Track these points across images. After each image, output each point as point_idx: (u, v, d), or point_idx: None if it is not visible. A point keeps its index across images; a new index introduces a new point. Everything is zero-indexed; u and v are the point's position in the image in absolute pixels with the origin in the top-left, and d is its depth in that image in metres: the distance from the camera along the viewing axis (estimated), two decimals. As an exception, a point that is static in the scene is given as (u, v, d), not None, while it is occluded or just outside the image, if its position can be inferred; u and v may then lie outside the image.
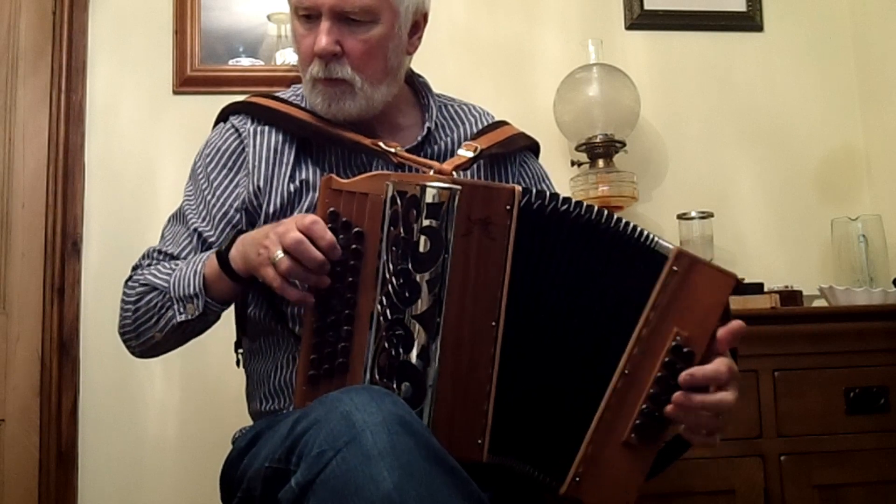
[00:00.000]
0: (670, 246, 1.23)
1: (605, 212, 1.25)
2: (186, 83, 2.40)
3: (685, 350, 1.20)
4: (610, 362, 1.23)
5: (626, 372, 1.22)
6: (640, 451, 1.22)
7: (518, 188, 1.23)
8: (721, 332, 1.21)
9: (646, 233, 1.24)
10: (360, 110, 1.44)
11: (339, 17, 1.40)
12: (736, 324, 1.23)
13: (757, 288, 2.18)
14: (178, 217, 1.52)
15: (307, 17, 1.42)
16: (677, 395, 1.19)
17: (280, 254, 1.18)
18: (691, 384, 1.19)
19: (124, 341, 1.48)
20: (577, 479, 1.23)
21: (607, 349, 1.23)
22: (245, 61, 2.46)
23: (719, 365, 1.20)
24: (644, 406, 1.21)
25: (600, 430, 1.22)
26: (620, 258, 1.24)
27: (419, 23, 1.52)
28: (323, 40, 1.39)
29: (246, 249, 1.30)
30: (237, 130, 1.49)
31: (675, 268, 1.22)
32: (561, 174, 2.38)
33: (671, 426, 1.23)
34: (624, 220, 1.25)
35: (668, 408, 1.20)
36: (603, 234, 1.24)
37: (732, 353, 1.26)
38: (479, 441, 1.22)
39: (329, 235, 1.18)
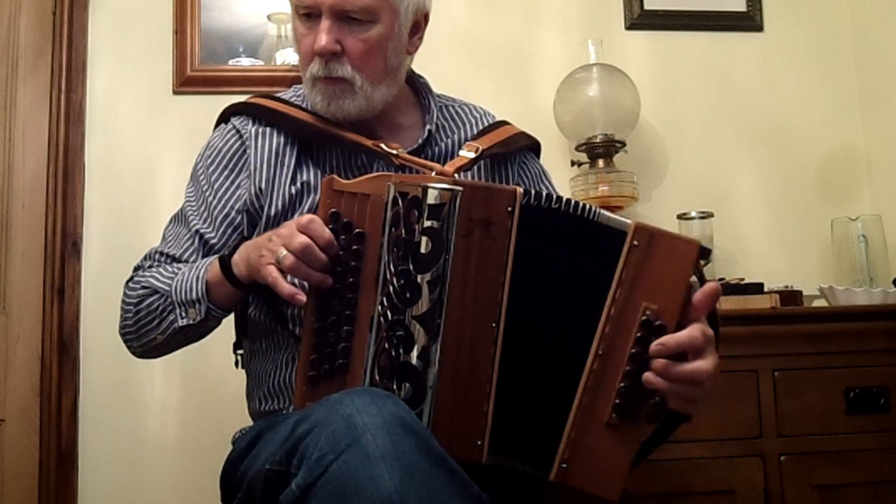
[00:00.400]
0: (628, 221, 1.22)
1: (591, 206, 1.24)
2: (186, 83, 2.40)
3: (656, 323, 1.19)
4: (585, 347, 1.22)
5: (601, 352, 1.21)
6: (625, 429, 1.21)
7: (519, 189, 1.22)
8: (696, 297, 1.20)
9: (603, 212, 1.23)
10: (359, 110, 1.44)
11: (339, 16, 1.40)
12: (709, 287, 1.21)
13: (757, 288, 2.18)
14: (180, 218, 1.52)
15: (307, 15, 1.43)
16: (656, 362, 1.18)
17: (284, 251, 1.19)
18: (662, 354, 1.17)
19: (125, 342, 1.49)
20: (565, 465, 1.22)
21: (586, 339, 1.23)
22: (245, 61, 2.46)
23: (692, 331, 1.18)
24: (622, 384, 1.20)
25: (581, 413, 1.22)
26: (600, 247, 1.23)
27: (420, 23, 1.52)
28: (323, 39, 1.39)
29: (248, 254, 1.30)
30: (238, 132, 1.49)
31: (635, 242, 1.21)
32: (561, 174, 2.38)
33: (652, 400, 1.22)
34: (598, 209, 1.24)
35: (646, 374, 1.18)
36: (591, 228, 1.23)
37: (713, 319, 1.25)
38: (479, 442, 1.22)
39: (327, 233, 1.19)
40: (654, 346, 1.18)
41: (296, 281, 1.22)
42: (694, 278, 1.22)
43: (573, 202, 1.24)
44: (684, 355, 1.18)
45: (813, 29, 2.68)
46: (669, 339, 1.18)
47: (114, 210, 2.34)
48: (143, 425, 2.27)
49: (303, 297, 1.20)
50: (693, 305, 1.20)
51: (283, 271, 1.20)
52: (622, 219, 1.23)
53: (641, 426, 1.23)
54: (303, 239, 1.18)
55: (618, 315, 1.21)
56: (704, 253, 1.21)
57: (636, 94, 2.44)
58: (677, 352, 1.18)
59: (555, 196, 1.24)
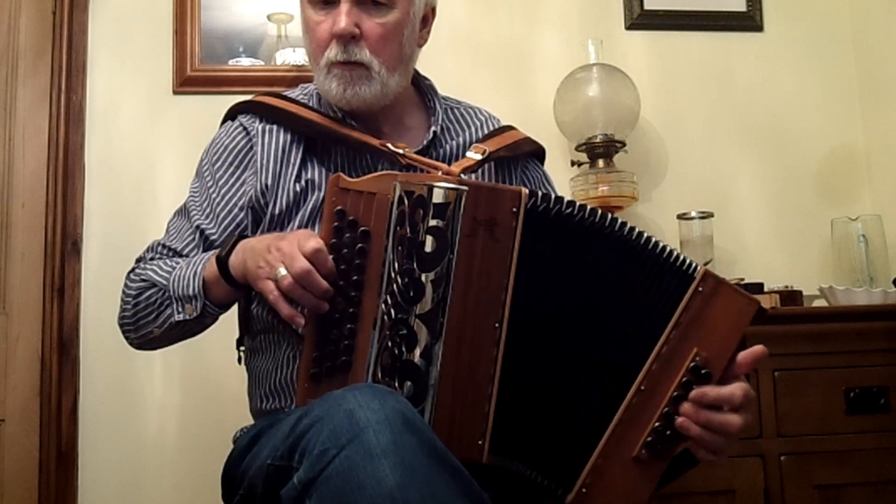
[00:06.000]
0: (697, 265, 1.23)
1: (609, 216, 1.24)
2: (186, 83, 2.40)
3: (703, 371, 1.20)
4: (625, 375, 1.22)
5: (643, 388, 1.22)
6: (650, 466, 1.22)
7: (525, 190, 1.22)
8: (742, 355, 1.21)
9: (669, 248, 1.23)
10: (374, 96, 1.45)
11: (357, 0, 1.42)
12: (758, 349, 1.22)
13: (757, 288, 2.18)
14: (183, 212, 1.52)
15: (324, 2, 1.44)
16: (687, 406, 1.19)
17: (283, 271, 1.18)
18: (701, 402, 1.19)
19: (123, 332, 1.49)
20: (584, 489, 1.22)
21: (620, 361, 1.23)
22: (245, 61, 2.46)
23: (735, 388, 1.19)
24: (657, 423, 1.21)
25: (611, 443, 1.22)
26: (634, 268, 1.23)
27: (427, 16, 1.53)
28: (343, 20, 1.40)
29: (246, 258, 1.29)
30: (245, 129, 1.49)
31: (700, 288, 1.21)
32: (561, 174, 2.38)
33: (681, 443, 1.22)
34: (633, 227, 1.24)
35: (679, 419, 1.20)
36: (609, 239, 1.23)
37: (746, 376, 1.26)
38: (480, 442, 1.21)
39: (330, 264, 1.19)
40: (695, 392, 1.19)
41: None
42: None
43: (603, 214, 1.23)
44: (720, 407, 1.19)
45: (813, 29, 2.68)
46: (711, 390, 1.19)
47: (114, 210, 2.34)
48: (143, 425, 2.27)
49: (302, 320, 1.21)
50: (737, 363, 1.20)
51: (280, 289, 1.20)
52: (689, 260, 1.23)
53: (665, 465, 1.24)
54: (304, 265, 1.17)
55: (668, 355, 1.21)
56: (762, 312, 1.22)
57: (636, 94, 2.45)
58: (715, 404, 1.19)
59: (566, 201, 1.23)
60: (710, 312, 1.21)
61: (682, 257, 1.24)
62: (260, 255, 1.25)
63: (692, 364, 1.20)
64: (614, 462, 1.22)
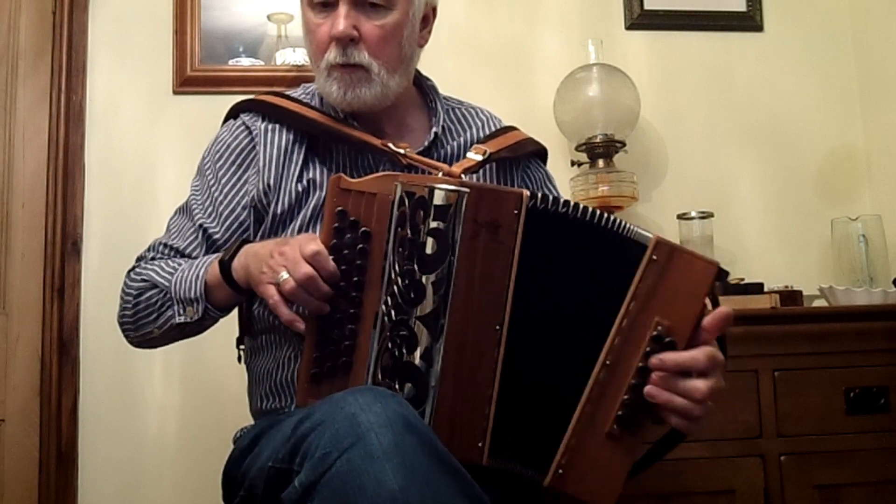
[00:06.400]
0: (649, 235, 1.22)
1: (610, 216, 1.24)
2: (186, 83, 2.40)
3: (666, 339, 1.19)
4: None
5: (608, 363, 1.21)
6: (624, 441, 1.21)
7: (526, 192, 1.22)
8: (707, 320, 1.19)
9: (625, 223, 1.22)
10: (374, 98, 1.45)
11: (356, 3, 1.42)
12: (721, 311, 1.20)
13: (757, 288, 2.18)
14: (185, 211, 1.52)
15: (323, 4, 1.44)
16: (654, 376, 1.18)
17: (285, 275, 1.19)
18: (660, 368, 1.18)
19: (122, 331, 1.49)
20: (561, 470, 1.22)
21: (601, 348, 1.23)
22: (245, 61, 2.46)
23: (696, 353, 1.18)
24: (626, 397, 1.20)
25: (582, 421, 1.22)
26: (617, 258, 1.23)
27: (428, 16, 1.53)
28: (341, 23, 1.40)
29: (249, 263, 1.30)
30: (248, 128, 1.49)
31: (654, 256, 1.20)
32: (561, 174, 2.38)
33: (653, 415, 1.22)
34: (620, 220, 1.23)
35: (648, 388, 1.19)
36: (608, 238, 1.23)
37: (721, 341, 1.24)
38: (480, 444, 1.22)
39: (332, 266, 1.19)
40: (654, 359, 1.18)
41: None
42: (707, 300, 1.22)
43: (588, 209, 1.23)
44: (688, 374, 1.18)
45: (813, 29, 2.68)
46: (668, 356, 1.18)
47: (114, 210, 2.34)
48: (143, 425, 2.27)
49: (301, 325, 1.21)
50: (703, 328, 1.19)
51: (282, 293, 1.20)
52: (643, 231, 1.22)
53: (641, 439, 1.23)
54: (307, 270, 1.17)
55: (629, 327, 1.21)
56: (722, 274, 1.21)
57: (636, 94, 2.44)
58: (676, 370, 1.18)
59: (562, 200, 1.23)
60: (667, 280, 1.20)
61: (633, 228, 1.22)
62: (263, 260, 1.25)
63: (654, 334, 1.19)
64: (588, 440, 1.21)
